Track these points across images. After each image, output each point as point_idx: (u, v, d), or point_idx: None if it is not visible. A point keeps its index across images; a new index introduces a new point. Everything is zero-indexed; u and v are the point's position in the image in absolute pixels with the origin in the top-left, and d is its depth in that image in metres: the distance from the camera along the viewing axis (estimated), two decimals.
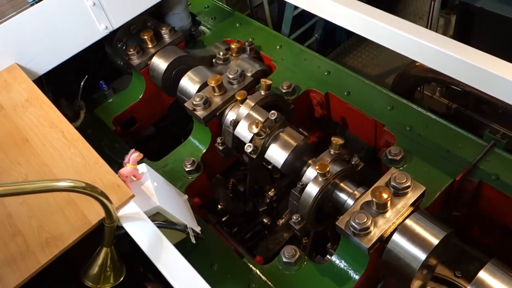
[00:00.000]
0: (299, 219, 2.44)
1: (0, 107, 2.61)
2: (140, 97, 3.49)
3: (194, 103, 2.87)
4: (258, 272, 2.45)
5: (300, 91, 3.19)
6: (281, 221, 3.38)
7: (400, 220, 2.19)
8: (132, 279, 2.14)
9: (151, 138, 3.85)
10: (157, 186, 2.30)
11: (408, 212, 2.21)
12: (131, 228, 1.99)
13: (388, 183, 2.24)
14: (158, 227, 2.03)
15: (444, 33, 4.64)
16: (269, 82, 2.80)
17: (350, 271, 2.34)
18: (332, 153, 2.50)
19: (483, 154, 2.61)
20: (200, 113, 2.87)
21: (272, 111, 2.64)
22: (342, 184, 2.45)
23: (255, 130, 2.58)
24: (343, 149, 2.52)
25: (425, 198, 2.32)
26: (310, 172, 2.50)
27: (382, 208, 2.18)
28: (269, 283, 2.41)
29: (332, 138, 2.49)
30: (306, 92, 3.22)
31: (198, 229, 2.47)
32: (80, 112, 3.42)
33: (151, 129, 3.84)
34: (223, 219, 3.44)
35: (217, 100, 2.91)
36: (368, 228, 2.13)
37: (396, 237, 2.17)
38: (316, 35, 5.39)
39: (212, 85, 2.86)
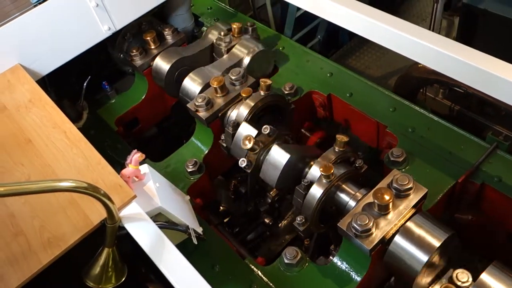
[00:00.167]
0: (303, 220, 2.44)
1: (3, 107, 2.62)
2: (143, 98, 3.49)
3: (197, 104, 2.87)
4: (260, 273, 2.45)
5: (302, 93, 3.18)
6: (283, 223, 3.37)
7: (402, 222, 2.19)
8: (134, 279, 2.14)
9: (154, 139, 3.86)
10: (159, 187, 2.30)
11: (410, 214, 2.20)
12: (133, 228, 1.99)
13: (390, 184, 2.23)
14: (160, 227, 2.03)
15: (447, 35, 4.64)
16: (268, 82, 2.80)
17: (351, 273, 2.33)
18: (336, 150, 2.50)
19: (486, 156, 2.60)
20: (202, 114, 2.87)
21: (265, 126, 2.63)
22: (344, 186, 2.45)
23: (249, 145, 2.57)
24: (347, 146, 2.52)
25: (427, 200, 2.32)
26: (315, 170, 2.49)
27: (384, 210, 2.17)
28: (271, 284, 2.40)
29: (337, 136, 2.49)
30: (309, 93, 3.22)
31: (200, 230, 2.47)
32: (83, 113, 3.44)
33: (154, 130, 3.84)
34: (225, 220, 3.44)
35: (220, 101, 2.91)
36: (369, 229, 2.12)
37: (398, 239, 2.16)
38: (319, 37, 5.39)
39: (215, 86, 2.86)
